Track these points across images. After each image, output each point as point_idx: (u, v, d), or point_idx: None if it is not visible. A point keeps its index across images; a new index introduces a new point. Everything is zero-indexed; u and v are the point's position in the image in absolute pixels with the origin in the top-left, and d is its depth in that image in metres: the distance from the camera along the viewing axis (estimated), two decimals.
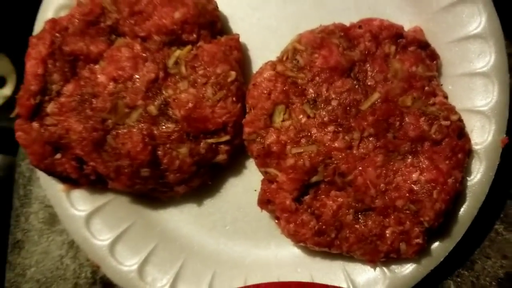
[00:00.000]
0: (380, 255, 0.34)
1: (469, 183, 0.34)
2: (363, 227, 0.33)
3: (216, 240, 0.38)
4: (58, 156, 0.35)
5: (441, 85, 0.36)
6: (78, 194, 0.37)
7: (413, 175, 0.33)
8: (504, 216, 0.38)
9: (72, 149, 0.34)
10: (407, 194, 0.32)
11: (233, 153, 0.37)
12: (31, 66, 0.34)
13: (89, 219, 0.37)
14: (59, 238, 0.40)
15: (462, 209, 0.34)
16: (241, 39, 0.38)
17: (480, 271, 0.37)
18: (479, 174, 0.34)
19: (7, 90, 0.82)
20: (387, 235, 0.33)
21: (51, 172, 0.35)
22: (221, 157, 0.37)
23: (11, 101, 0.86)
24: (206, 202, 0.39)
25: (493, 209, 0.38)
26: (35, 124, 0.34)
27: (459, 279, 0.37)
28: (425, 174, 0.32)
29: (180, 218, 0.39)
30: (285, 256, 0.37)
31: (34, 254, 0.40)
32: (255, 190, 0.37)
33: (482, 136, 0.34)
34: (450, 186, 0.32)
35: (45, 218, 0.41)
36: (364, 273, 0.35)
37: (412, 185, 0.32)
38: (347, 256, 0.35)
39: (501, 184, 0.39)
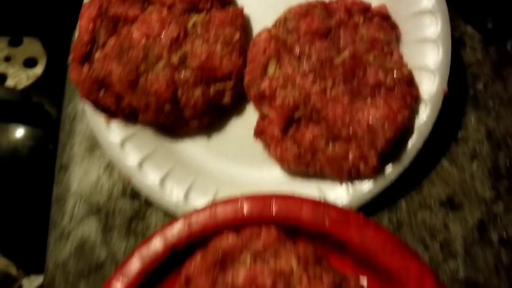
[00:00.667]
0: (344, 173, 0.44)
1: (416, 123, 0.44)
2: (331, 151, 0.44)
3: (220, 165, 0.48)
4: (101, 92, 0.46)
5: (399, 49, 0.46)
6: (115, 125, 0.47)
7: (371, 112, 0.42)
8: (449, 154, 0.48)
9: (112, 87, 0.45)
10: (366, 126, 0.42)
11: (235, 98, 0.47)
12: (84, 23, 0.44)
13: (123, 143, 0.47)
14: (97, 162, 0.50)
15: (410, 142, 0.44)
16: (246, 12, 0.49)
17: (426, 194, 0.47)
18: (424, 116, 0.44)
19: (38, 70, 0.93)
20: (350, 157, 0.43)
21: (95, 105, 0.46)
22: (226, 99, 0.47)
23: (41, 80, 0.97)
24: (213, 136, 0.49)
25: (441, 149, 0.48)
26: (85, 67, 0.45)
27: (409, 200, 0.47)
28: (380, 111, 0.42)
29: (192, 148, 0.49)
30: (273, 178, 0.47)
31: (77, 174, 0.50)
32: (252, 127, 0.47)
33: (428, 87, 0.44)
34: (399, 121, 0.42)
35: (86, 147, 0.51)
36: (334, 190, 0.45)
37: (370, 119, 0.42)
38: (320, 176, 0.46)
39: (448, 130, 0.49)
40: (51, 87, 0.92)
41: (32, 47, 0.93)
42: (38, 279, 1.17)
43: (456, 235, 0.46)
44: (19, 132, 0.89)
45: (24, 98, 0.85)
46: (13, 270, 1.17)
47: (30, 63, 0.92)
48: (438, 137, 0.47)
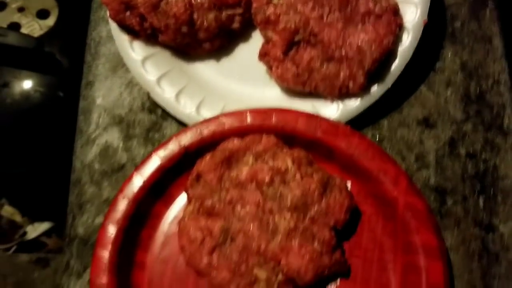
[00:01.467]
0: (335, 90, 0.51)
1: (399, 48, 0.51)
2: (325, 70, 0.50)
3: (227, 85, 0.55)
4: (127, 13, 0.52)
5: None
6: (138, 44, 0.54)
7: (361, 36, 0.49)
8: (428, 81, 0.55)
9: (137, 8, 0.51)
10: (356, 48, 0.49)
11: (244, 23, 0.54)
12: None
13: (144, 61, 0.54)
14: (119, 80, 0.57)
15: (393, 65, 0.51)
16: None
17: (406, 114, 0.54)
18: (407, 42, 0.51)
19: (50, 21, 0.98)
20: (341, 75, 0.50)
21: (121, 24, 0.53)
22: (235, 25, 0.54)
23: (52, 31, 1.02)
24: (223, 59, 0.56)
25: (421, 77, 0.55)
26: None
27: (390, 119, 0.54)
28: (368, 35, 0.49)
29: (204, 69, 0.56)
30: (274, 96, 0.54)
31: (101, 90, 0.57)
32: (257, 53, 0.54)
33: (411, 17, 0.51)
34: (384, 44, 0.49)
35: (109, 67, 0.57)
36: (326, 106, 0.52)
37: (359, 42, 0.49)
38: (315, 95, 0.53)
39: (428, 61, 0.56)
40: (62, 38, 0.97)
41: None
42: (42, 226, 1.24)
43: (429, 149, 0.53)
44: (32, 79, 0.94)
45: (38, 45, 0.90)
46: (18, 218, 1.24)
47: (42, 14, 0.96)
48: (419, 67, 0.54)
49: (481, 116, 0.54)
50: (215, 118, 0.51)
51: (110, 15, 0.52)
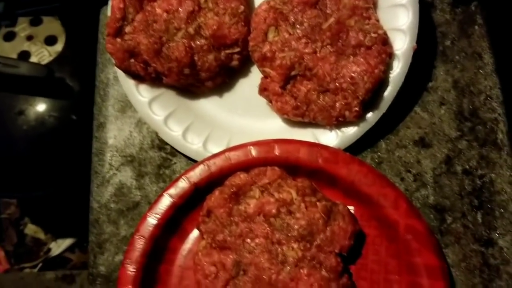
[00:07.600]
0: (333, 119, 0.53)
1: (391, 75, 0.53)
2: (322, 102, 0.53)
3: (231, 118, 0.58)
4: (132, 60, 0.55)
5: (375, 13, 0.55)
6: (144, 87, 0.57)
7: (353, 68, 0.52)
8: (421, 102, 0.57)
9: (141, 55, 0.54)
10: (349, 80, 0.52)
11: (242, 61, 0.57)
12: (116, 3, 0.53)
13: (151, 103, 0.57)
14: (128, 120, 0.60)
15: (386, 92, 0.53)
16: None
17: (402, 136, 0.56)
18: (398, 69, 0.53)
19: (58, 47, 1.00)
20: (337, 106, 0.52)
21: (127, 71, 0.56)
22: (234, 62, 0.56)
23: (61, 56, 1.05)
24: (225, 95, 0.59)
25: (414, 98, 0.57)
26: (118, 39, 0.54)
27: (388, 141, 0.56)
28: (361, 67, 0.52)
29: (208, 106, 0.58)
30: (275, 127, 0.57)
31: (112, 131, 0.60)
32: (257, 86, 0.57)
33: (400, 44, 0.53)
34: (376, 74, 0.51)
35: (119, 108, 0.61)
36: (325, 134, 0.55)
37: (352, 74, 0.52)
38: (314, 124, 0.55)
39: (421, 82, 0.58)
40: (71, 62, 0.99)
41: (51, 25, 1.00)
42: (65, 242, 1.28)
43: (427, 168, 0.55)
44: (45, 104, 0.97)
45: (48, 73, 0.93)
46: (41, 235, 1.29)
47: (50, 40, 0.99)
48: (412, 88, 0.56)
49: (475, 132, 0.56)
50: (221, 153, 0.54)
51: (115, 63, 0.55)
